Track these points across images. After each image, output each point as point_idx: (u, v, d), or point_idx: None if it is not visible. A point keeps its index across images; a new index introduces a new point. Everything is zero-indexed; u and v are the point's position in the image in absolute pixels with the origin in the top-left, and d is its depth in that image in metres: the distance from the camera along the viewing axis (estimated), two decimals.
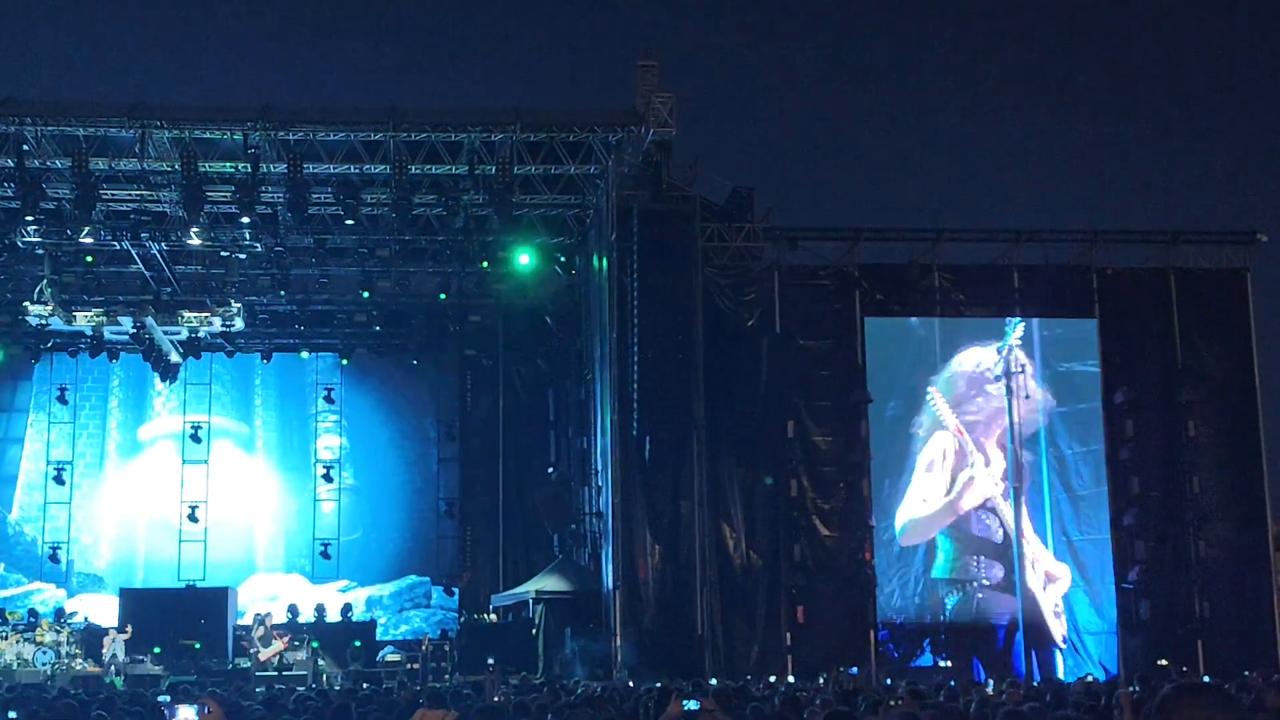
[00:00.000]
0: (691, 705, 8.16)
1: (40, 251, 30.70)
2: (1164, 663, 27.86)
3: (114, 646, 29.00)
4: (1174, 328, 31.38)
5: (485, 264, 32.33)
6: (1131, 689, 15.06)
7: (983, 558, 30.61)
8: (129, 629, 29.43)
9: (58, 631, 29.41)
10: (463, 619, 33.30)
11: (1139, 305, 31.55)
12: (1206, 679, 23.82)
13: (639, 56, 29.20)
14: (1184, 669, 27.90)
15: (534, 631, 29.31)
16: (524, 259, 31.92)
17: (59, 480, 35.22)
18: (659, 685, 18.20)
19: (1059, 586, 30.56)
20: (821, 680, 24.14)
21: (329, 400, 36.38)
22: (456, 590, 35.45)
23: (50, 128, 27.91)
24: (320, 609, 33.06)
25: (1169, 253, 31.85)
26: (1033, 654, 29.86)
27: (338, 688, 25.00)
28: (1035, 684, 22.23)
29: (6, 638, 29.06)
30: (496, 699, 19.27)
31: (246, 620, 31.44)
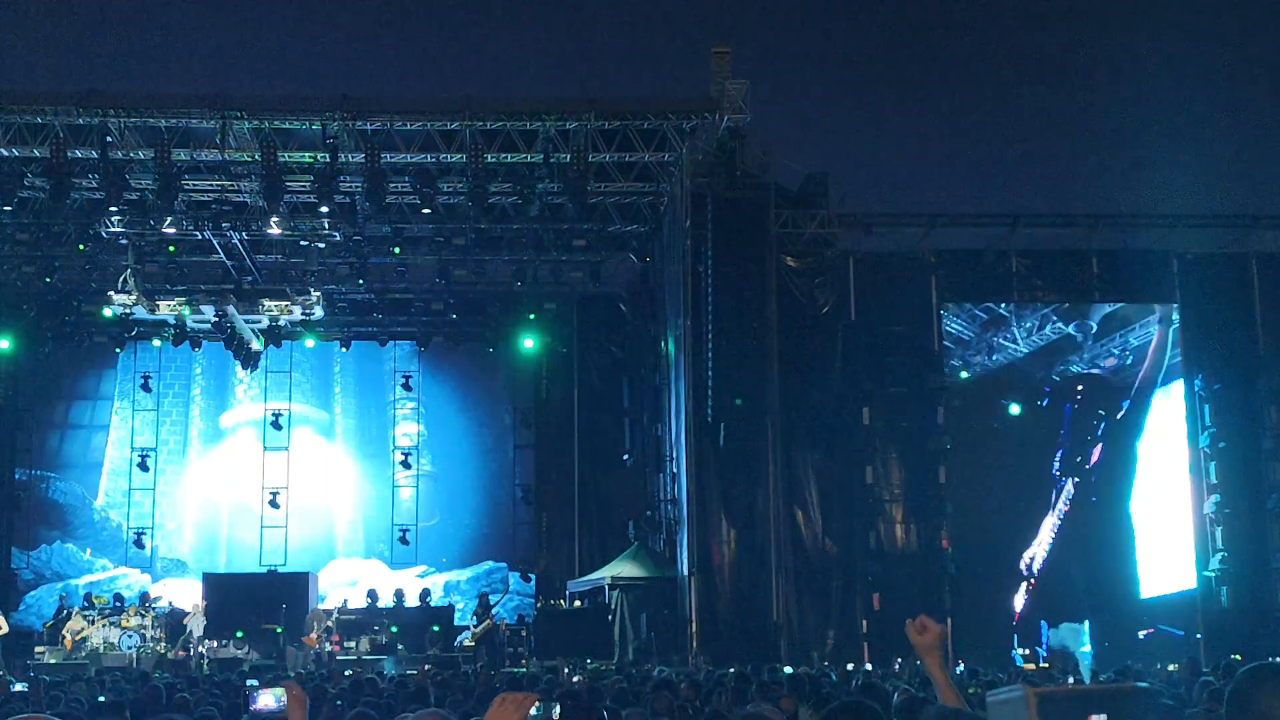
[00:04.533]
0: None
1: (124, 241, 31.13)
2: (1237, 657, 27.54)
3: (192, 624, 29.55)
4: (1255, 313, 30.99)
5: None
6: (1206, 678, 14.91)
7: None
8: (196, 606, 30.11)
9: (143, 616, 29.89)
10: (539, 604, 33.50)
11: (1219, 291, 31.16)
12: None
13: (713, 43, 29.21)
14: (1273, 659, 27.51)
15: (610, 617, 29.42)
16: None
17: (143, 467, 35.74)
18: (733, 670, 18.27)
19: None
20: (897, 667, 24.09)
21: (407, 388, 36.66)
22: (533, 576, 35.67)
23: (133, 119, 28.31)
24: (399, 594, 33.38)
25: (1250, 237, 31.45)
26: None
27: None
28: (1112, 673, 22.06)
29: (93, 622, 29.58)
30: (576, 679, 19.41)
31: (327, 605, 31.87)
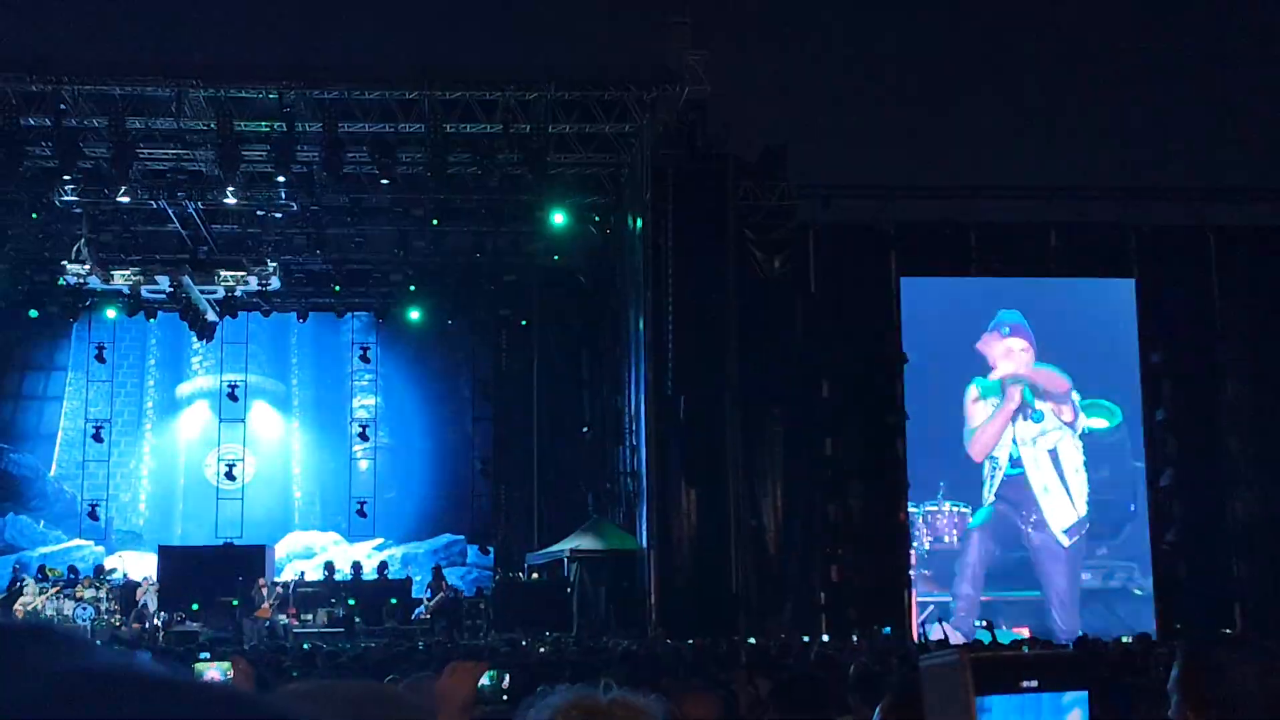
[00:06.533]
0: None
1: (78, 210, 30.82)
2: (1178, 627, 27.85)
3: (145, 597, 29.37)
4: (1213, 287, 31.15)
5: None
6: (1160, 651, 15.04)
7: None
8: (148, 579, 29.96)
9: (97, 588, 29.69)
10: (498, 577, 33.44)
11: (1177, 264, 31.32)
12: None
13: (673, 13, 29.07)
14: (1226, 631, 27.81)
15: (568, 590, 29.41)
16: (558, 218, 32.01)
17: (97, 438, 35.46)
18: (692, 642, 18.31)
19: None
20: (855, 640, 24.19)
21: (365, 359, 36.49)
22: (491, 548, 35.60)
23: (87, 87, 28.00)
24: (356, 566, 33.25)
25: (1208, 210, 31.59)
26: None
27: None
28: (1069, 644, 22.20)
29: (46, 593, 29.38)
30: (542, 650, 19.40)
31: (284, 577, 31.73)
